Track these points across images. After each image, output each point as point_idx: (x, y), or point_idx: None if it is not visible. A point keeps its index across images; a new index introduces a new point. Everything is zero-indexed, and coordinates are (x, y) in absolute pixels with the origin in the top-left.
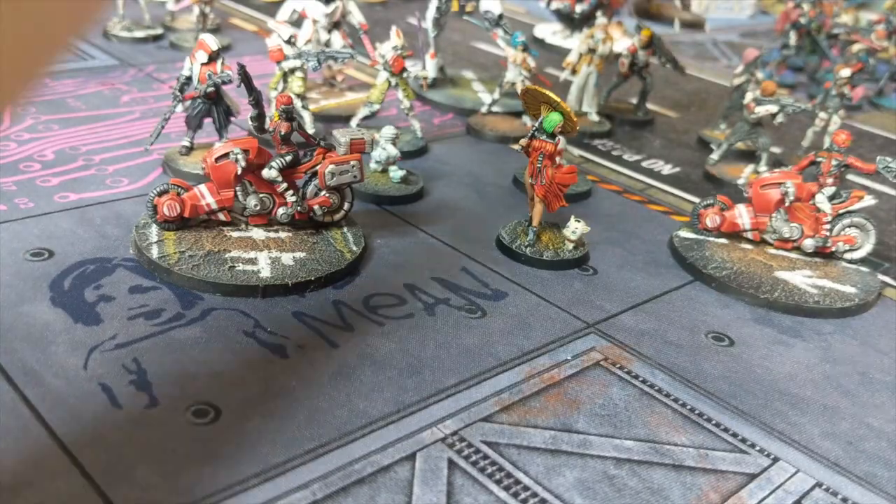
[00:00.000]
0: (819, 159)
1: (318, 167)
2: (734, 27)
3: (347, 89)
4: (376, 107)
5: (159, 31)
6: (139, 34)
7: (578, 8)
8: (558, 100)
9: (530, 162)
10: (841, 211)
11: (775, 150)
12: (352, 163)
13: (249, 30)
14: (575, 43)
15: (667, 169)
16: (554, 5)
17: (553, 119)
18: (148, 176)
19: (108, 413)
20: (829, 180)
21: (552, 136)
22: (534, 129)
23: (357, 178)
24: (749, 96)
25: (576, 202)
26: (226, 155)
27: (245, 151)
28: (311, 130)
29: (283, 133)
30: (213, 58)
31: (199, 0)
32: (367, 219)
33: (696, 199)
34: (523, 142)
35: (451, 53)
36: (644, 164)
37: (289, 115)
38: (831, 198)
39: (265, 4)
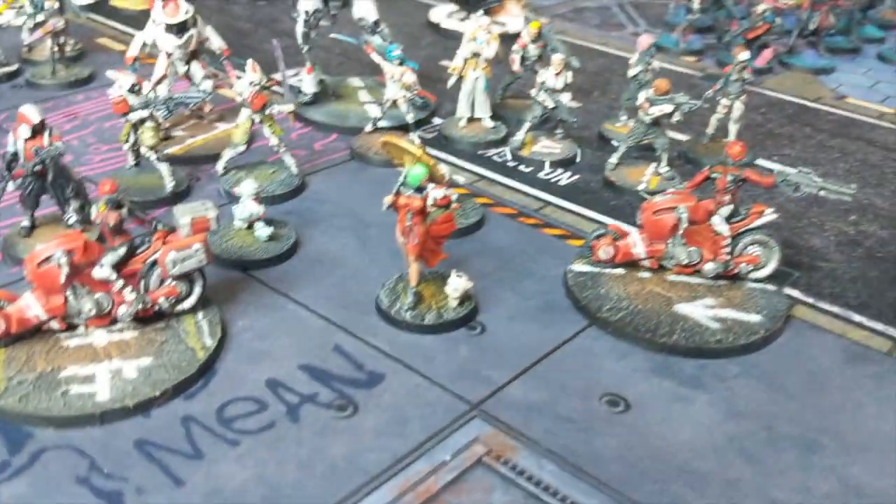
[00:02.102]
0: (714, 174)
1: (157, 255)
2: None
3: (217, 120)
4: (242, 147)
5: (15, 66)
6: None
7: None
8: (420, 152)
9: (399, 220)
10: (741, 230)
11: (681, 137)
12: (195, 246)
13: (117, 50)
14: (473, 26)
15: (565, 178)
16: None
17: (417, 173)
18: None
19: None
20: (727, 197)
21: (419, 189)
22: (399, 184)
23: (204, 262)
24: (642, 96)
25: (466, 235)
26: (48, 259)
27: (69, 253)
28: (170, 184)
29: (111, 224)
30: (37, 130)
31: (50, 31)
32: (230, 292)
33: (595, 215)
34: (388, 199)
35: (338, 53)
36: (540, 174)
37: (116, 203)
38: (730, 216)
39: (134, 16)
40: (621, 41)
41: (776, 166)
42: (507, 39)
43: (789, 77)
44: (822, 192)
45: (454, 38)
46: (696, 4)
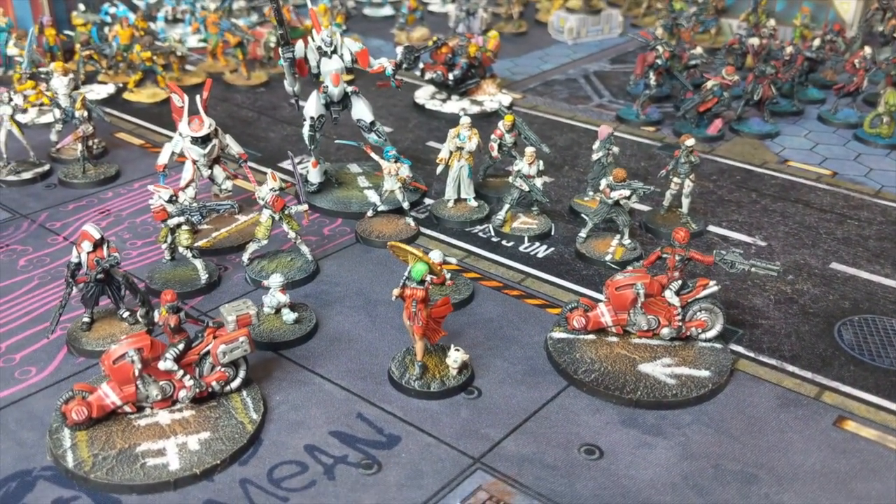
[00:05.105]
0: (664, 255)
1: (209, 347)
2: (605, 50)
3: (238, 212)
4: (264, 242)
5: (47, 166)
6: (27, 175)
7: (451, 75)
8: (419, 254)
9: (406, 307)
10: (689, 300)
11: (642, 208)
12: (241, 339)
13: (135, 144)
14: (453, 106)
15: (542, 251)
16: (427, 75)
17: (419, 269)
18: (54, 359)
19: None
20: (676, 274)
21: (421, 282)
22: (404, 279)
23: (247, 351)
24: (603, 183)
25: (459, 309)
26: (122, 356)
27: (139, 350)
28: (203, 276)
29: (172, 326)
30: (98, 244)
31: (80, 137)
32: (265, 371)
33: (569, 284)
34: (396, 291)
35: (344, 132)
36: (521, 248)
37: (175, 308)
38: (680, 289)
39: (145, 109)
40: (587, 114)
41: (727, 233)
42: (485, 117)
43: (738, 143)
44: (752, 269)
45: (438, 118)
46: (652, 81)
